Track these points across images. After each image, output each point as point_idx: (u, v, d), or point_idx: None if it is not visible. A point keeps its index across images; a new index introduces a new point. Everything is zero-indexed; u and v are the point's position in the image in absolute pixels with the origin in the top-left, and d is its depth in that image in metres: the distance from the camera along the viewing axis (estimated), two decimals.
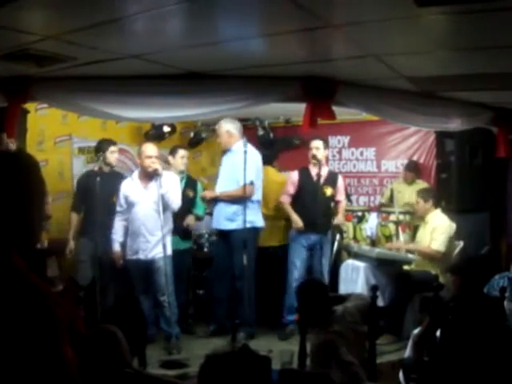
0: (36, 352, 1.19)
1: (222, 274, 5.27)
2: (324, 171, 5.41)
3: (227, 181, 5.22)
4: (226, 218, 5.15)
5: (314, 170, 5.39)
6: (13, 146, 4.77)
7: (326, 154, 5.45)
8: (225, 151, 5.35)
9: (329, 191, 5.37)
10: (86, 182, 5.26)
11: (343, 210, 5.57)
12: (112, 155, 5.32)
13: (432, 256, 5.17)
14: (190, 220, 5.45)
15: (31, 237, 1.42)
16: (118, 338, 2.12)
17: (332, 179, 5.47)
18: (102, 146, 5.33)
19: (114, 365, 2.04)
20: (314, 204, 5.22)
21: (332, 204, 5.48)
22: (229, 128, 5.24)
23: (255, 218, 5.15)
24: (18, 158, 1.46)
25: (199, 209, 5.61)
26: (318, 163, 5.30)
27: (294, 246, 5.39)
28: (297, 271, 5.32)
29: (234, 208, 5.09)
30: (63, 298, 1.72)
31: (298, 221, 5.32)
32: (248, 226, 4.94)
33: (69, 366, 1.24)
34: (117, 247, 4.94)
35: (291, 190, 5.45)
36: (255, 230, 5.16)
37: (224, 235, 5.23)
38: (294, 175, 5.51)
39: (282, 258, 5.48)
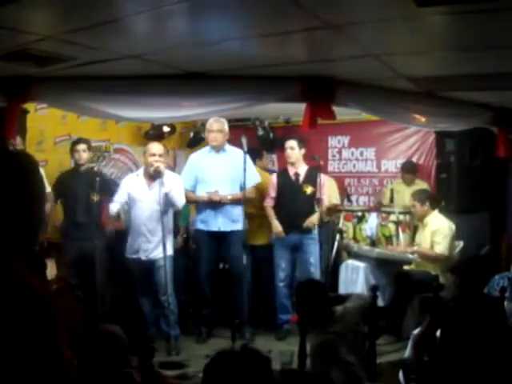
0: (35, 354, 1.19)
1: (211, 276, 5.24)
2: (303, 170, 5.38)
3: (230, 182, 5.12)
4: (232, 220, 5.11)
5: (292, 170, 5.40)
6: (21, 146, 4.77)
7: (302, 153, 5.38)
8: (216, 150, 5.18)
9: (309, 190, 5.29)
10: (61, 184, 5.15)
11: (322, 210, 5.23)
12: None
13: (436, 259, 5.16)
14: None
15: (32, 237, 1.41)
16: (120, 338, 2.12)
17: (312, 177, 5.29)
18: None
19: (115, 365, 2.04)
20: (293, 204, 5.24)
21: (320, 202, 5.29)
22: (227, 127, 5.18)
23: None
24: (17, 157, 1.45)
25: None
26: (294, 163, 5.34)
27: (277, 248, 5.34)
28: (282, 272, 5.29)
29: (239, 209, 5.05)
30: (62, 299, 1.72)
31: (277, 226, 5.26)
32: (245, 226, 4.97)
33: (68, 366, 1.24)
34: (114, 211, 4.77)
35: (272, 192, 5.40)
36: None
37: (218, 236, 5.14)
38: (273, 178, 5.49)
39: (269, 257, 5.40)
